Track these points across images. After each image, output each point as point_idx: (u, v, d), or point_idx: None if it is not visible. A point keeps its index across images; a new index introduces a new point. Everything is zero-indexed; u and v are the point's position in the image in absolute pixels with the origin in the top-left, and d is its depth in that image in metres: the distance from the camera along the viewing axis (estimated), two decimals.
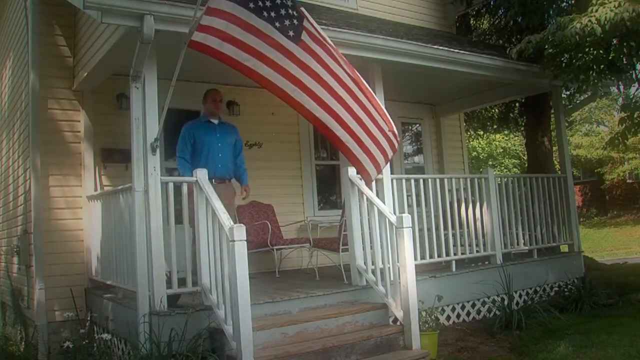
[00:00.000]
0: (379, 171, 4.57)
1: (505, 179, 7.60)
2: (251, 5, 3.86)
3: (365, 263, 5.50)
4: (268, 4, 3.89)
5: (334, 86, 4.11)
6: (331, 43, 4.16)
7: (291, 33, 3.96)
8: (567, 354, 4.94)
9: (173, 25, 4.56)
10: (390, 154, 4.50)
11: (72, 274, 6.15)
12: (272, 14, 3.91)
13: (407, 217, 4.84)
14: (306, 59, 4.02)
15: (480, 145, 24.77)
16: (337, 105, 4.15)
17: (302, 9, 4.09)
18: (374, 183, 5.78)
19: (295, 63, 4.01)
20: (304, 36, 4.01)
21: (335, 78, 4.13)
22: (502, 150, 25.95)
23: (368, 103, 4.29)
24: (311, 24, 4.06)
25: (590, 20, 5.97)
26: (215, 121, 5.77)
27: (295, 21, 3.99)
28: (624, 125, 7.45)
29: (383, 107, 4.41)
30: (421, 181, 6.36)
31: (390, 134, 4.39)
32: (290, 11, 3.96)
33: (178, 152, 5.53)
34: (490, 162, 24.87)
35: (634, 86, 7.80)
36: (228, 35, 3.86)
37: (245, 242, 3.94)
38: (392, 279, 5.02)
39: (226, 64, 3.94)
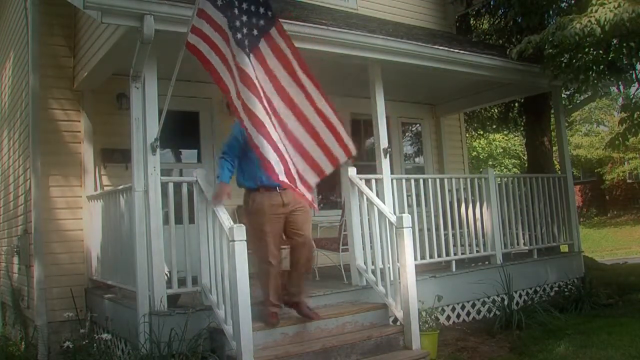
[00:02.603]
0: (310, 190, 3.94)
1: (505, 179, 7.60)
2: (228, 12, 3.74)
3: (365, 263, 5.50)
4: (242, 9, 3.72)
5: (274, 101, 3.77)
6: (294, 51, 3.82)
7: (246, 42, 3.69)
8: (567, 354, 4.94)
9: (173, 25, 4.56)
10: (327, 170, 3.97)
11: (72, 274, 6.15)
12: (240, 21, 3.72)
13: (407, 217, 4.84)
14: (255, 71, 3.71)
15: (480, 145, 24.76)
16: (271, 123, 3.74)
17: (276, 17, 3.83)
18: (373, 183, 5.79)
19: (244, 83, 3.68)
20: (262, 45, 3.72)
21: (280, 91, 3.79)
22: (502, 150, 25.94)
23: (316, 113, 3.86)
24: (278, 32, 3.80)
25: (589, 21, 5.97)
26: None
27: (254, 31, 3.72)
28: (624, 125, 7.44)
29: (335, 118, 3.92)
30: (421, 181, 6.36)
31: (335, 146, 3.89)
32: (254, 20, 3.73)
33: (222, 151, 4.63)
34: (490, 162, 24.85)
35: (634, 86, 7.80)
36: (213, 43, 3.80)
37: (246, 242, 3.95)
38: (392, 279, 5.02)
39: (209, 74, 3.88)
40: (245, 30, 3.72)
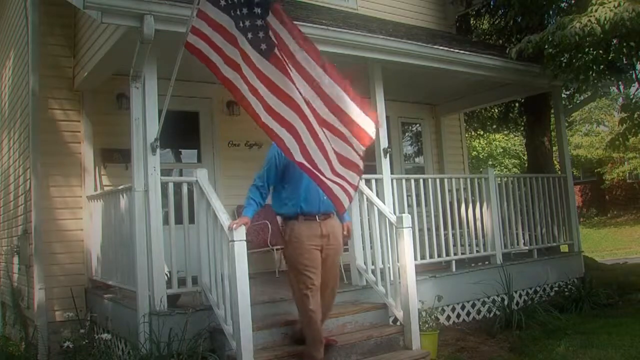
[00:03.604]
0: (350, 198, 3.76)
1: (505, 179, 7.61)
2: (232, 13, 3.74)
3: (365, 263, 5.50)
4: (245, 11, 3.71)
5: (302, 106, 3.64)
6: (305, 51, 3.63)
7: (263, 46, 3.66)
8: (567, 354, 4.95)
9: (173, 25, 4.56)
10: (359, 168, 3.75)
11: (72, 274, 6.16)
12: (247, 24, 3.69)
13: (407, 217, 4.83)
14: (275, 76, 3.66)
15: (480, 145, 24.75)
16: (305, 131, 3.65)
17: (280, 14, 3.68)
18: (373, 183, 5.79)
19: (264, 83, 3.67)
20: (277, 50, 3.64)
21: (305, 95, 3.65)
22: (502, 150, 25.92)
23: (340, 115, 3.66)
24: (286, 32, 3.67)
25: (590, 20, 5.97)
26: None
27: (269, 32, 3.66)
28: (624, 125, 7.45)
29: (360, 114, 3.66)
30: (421, 181, 6.36)
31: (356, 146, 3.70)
32: (263, 21, 3.68)
33: (255, 179, 4.26)
34: (490, 162, 24.83)
35: (634, 86, 7.81)
36: (213, 43, 3.78)
37: (245, 242, 3.95)
38: (392, 279, 5.02)
39: (212, 73, 3.88)
40: (255, 32, 3.69)
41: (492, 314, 6.38)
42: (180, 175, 7.08)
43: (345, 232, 4.39)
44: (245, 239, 3.94)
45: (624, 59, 6.95)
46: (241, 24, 3.71)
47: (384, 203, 5.51)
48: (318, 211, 4.16)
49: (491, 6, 10.98)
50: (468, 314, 6.39)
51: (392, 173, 6.11)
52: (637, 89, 7.71)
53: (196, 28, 3.83)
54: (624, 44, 6.65)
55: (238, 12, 3.72)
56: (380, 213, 5.17)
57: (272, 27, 3.68)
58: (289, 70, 3.64)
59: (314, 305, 4.09)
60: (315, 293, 4.10)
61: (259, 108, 3.69)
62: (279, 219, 4.29)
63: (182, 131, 7.09)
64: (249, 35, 3.69)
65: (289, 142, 3.64)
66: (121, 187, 5.21)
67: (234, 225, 3.94)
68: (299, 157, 3.65)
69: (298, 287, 4.13)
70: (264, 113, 3.67)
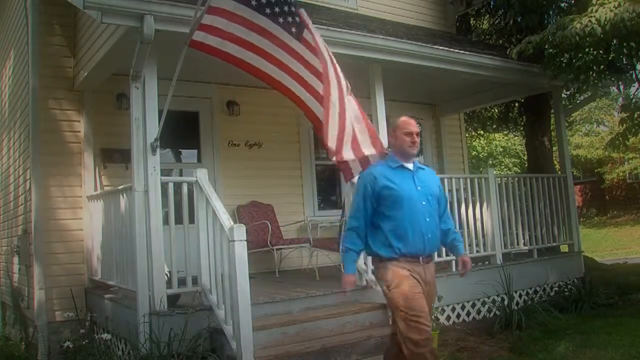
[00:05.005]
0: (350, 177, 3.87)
1: (506, 179, 7.61)
2: (253, 3, 3.84)
3: (365, 263, 5.50)
4: (272, 0, 3.88)
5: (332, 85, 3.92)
6: (325, 45, 4.02)
7: (294, 29, 3.92)
8: (567, 354, 4.95)
9: (173, 25, 4.57)
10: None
11: (72, 274, 6.15)
12: (276, 10, 3.88)
13: None
14: (307, 55, 3.96)
15: (480, 145, 24.76)
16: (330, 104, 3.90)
17: (302, 10, 4.04)
18: None
19: (297, 59, 3.95)
20: (306, 34, 3.96)
21: (336, 77, 3.96)
22: (502, 149, 25.93)
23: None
24: (308, 25, 4.01)
25: (590, 21, 5.97)
26: (411, 165, 3.63)
27: (297, 19, 3.95)
28: (624, 125, 7.45)
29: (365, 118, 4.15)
30: None
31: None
32: (291, 9, 3.93)
33: (349, 220, 3.62)
34: (491, 162, 24.84)
35: (634, 86, 7.80)
36: (230, 34, 3.85)
37: (246, 242, 3.95)
38: None
39: (228, 62, 3.93)
40: (288, 18, 3.90)
41: (492, 314, 6.38)
42: (180, 175, 7.08)
43: (460, 267, 3.80)
44: (245, 238, 3.94)
45: (624, 59, 6.95)
46: (267, 11, 3.85)
47: None
48: (423, 252, 3.46)
49: (491, 6, 10.98)
50: (468, 314, 6.39)
51: None
52: (637, 89, 7.70)
53: (206, 25, 3.87)
54: (624, 44, 6.65)
55: (262, 1, 3.85)
56: None
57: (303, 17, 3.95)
58: (318, 52, 3.89)
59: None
60: (430, 342, 3.39)
61: (289, 81, 3.88)
62: (373, 259, 3.71)
63: (182, 131, 7.09)
64: (280, 20, 3.88)
65: (317, 111, 3.83)
66: (121, 187, 5.21)
67: (346, 286, 3.49)
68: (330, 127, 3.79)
69: (410, 338, 3.32)
70: (295, 84, 3.87)
